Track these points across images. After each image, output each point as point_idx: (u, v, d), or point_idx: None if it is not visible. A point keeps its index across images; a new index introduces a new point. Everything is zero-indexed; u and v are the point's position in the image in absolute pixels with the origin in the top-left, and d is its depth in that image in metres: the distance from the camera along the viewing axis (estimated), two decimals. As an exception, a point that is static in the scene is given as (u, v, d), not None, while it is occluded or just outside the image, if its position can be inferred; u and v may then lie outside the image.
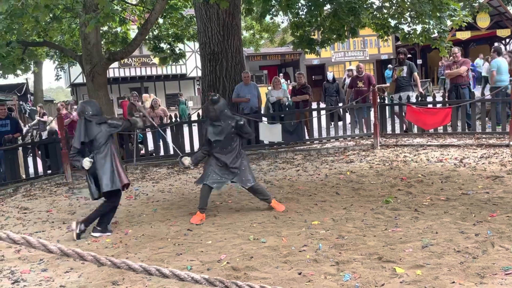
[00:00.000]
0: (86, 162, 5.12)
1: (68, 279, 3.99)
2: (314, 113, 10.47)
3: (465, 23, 8.73)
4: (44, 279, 4.02)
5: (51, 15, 8.87)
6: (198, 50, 11.67)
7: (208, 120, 5.78)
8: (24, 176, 8.89)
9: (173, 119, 9.91)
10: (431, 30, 8.89)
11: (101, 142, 5.20)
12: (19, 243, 1.49)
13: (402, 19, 9.21)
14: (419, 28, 9.19)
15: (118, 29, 12.51)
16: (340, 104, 11.12)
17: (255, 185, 5.62)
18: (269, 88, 11.85)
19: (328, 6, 9.41)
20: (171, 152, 9.64)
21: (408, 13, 9.13)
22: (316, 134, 10.59)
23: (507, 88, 9.79)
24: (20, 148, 8.87)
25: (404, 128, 10.38)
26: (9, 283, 4.00)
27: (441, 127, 9.67)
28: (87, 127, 5.23)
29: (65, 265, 4.27)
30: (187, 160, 5.71)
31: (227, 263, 4.03)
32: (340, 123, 10.58)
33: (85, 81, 9.92)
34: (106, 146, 5.22)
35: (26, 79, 29.86)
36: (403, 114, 10.03)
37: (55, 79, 28.61)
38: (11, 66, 9.20)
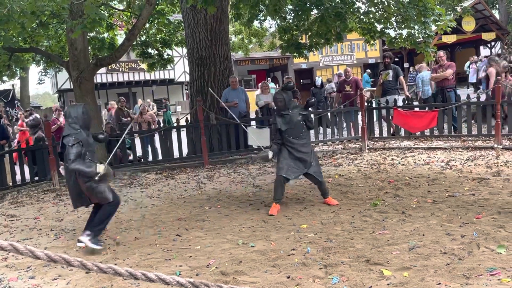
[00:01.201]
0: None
1: (56, 286, 3.96)
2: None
3: (449, 28, 8.84)
4: (32, 286, 3.99)
5: (37, 21, 8.83)
6: (186, 55, 11.66)
7: (276, 111, 5.95)
8: (11, 183, 8.80)
9: (161, 124, 9.91)
10: (416, 35, 8.99)
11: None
12: (7, 250, 1.49)
13: (388, 24, 9.30)
14: (404, 32, 9.29)
15: (105, 34, 12.48)
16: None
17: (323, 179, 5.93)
18: (257, 92, 11.88)
19: (315, 11, 9.47)
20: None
21: (394, 17, 9.22)
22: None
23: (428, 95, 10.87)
24: (7, 155, 8.80)
25: (392, 131, 10.47)
26: (-4, 291, 3.97)
27: (428, 130, 9.78)
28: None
29: (53, 272, 4.24)
30: (270, 154, 5.83)
31: (216, 268, 4.04)
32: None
33: (72, 86, 9.87)
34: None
35: (13, 85, 29.63)
36: (390, 117, 10.12)
37: (37, 83, 28.25)
38: (-3, 73, 9.13)
